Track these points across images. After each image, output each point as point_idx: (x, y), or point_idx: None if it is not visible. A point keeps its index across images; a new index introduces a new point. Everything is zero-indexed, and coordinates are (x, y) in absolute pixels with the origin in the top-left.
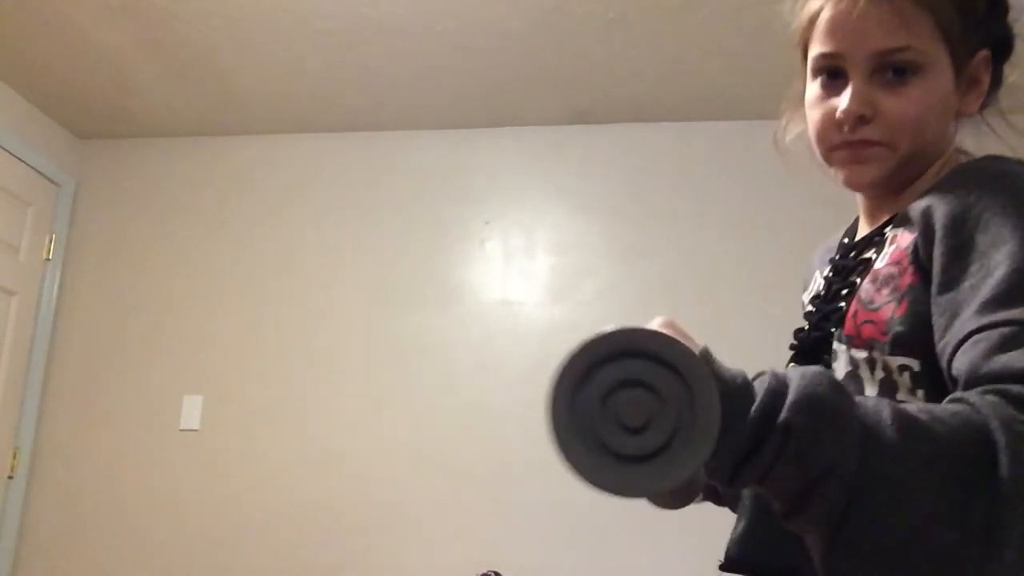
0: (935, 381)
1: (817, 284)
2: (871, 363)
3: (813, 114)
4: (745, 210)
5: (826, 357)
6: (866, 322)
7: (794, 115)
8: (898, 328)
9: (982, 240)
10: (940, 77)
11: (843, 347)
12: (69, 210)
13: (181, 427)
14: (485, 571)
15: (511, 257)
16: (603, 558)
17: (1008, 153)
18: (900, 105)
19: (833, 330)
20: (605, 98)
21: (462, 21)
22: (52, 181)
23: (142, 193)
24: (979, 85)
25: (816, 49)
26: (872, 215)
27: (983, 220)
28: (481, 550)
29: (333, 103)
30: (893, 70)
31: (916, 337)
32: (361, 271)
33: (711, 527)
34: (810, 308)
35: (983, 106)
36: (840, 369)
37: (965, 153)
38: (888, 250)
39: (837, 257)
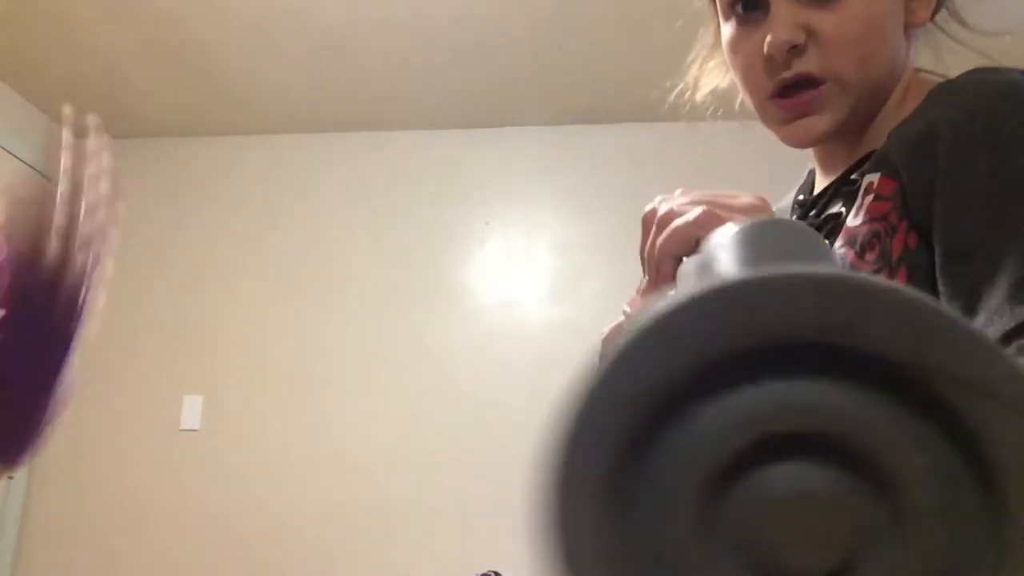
0: None
1: None
2: None
3: (736, 61)
4: None
5: None
6: None
7: (705, 68)
8: None
9: (996, 186)
10: None
11: None
12: None
13: (181, 427)
14: (485, 571)
15: (511, 257)
16: None
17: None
18: (838, 23)
19: None
20: (605, 98)
21: (462, 21)
22: (52, 181)
23: (141, 193)
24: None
25: None
26: (829, 162)
27: (996, 157)
28: (481, 550)
29: (333, 103)
30: None
31: None
32: (361, 271)
33: None
34: None
35: (934, 12)
36: None
37: (930, 72)
38: (864, 202)
39: (794, 219)
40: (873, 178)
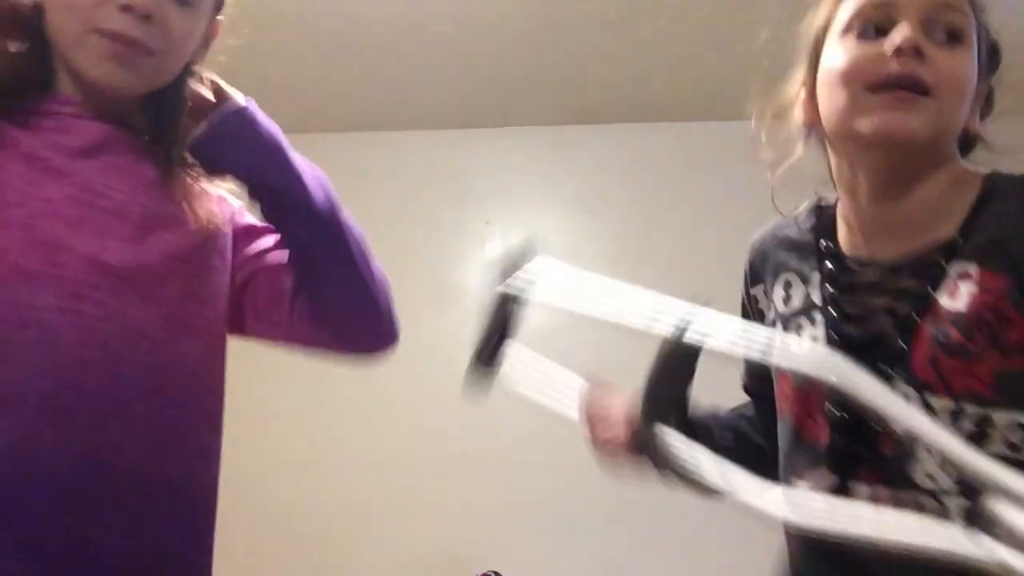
0: None
1: (802, 295)
2: (956, 415)
3: (847, 58)
4: (746, 211)
5: None
6: (958, 371)
7: (781, 119)
8: (1020, 386)
9: None
10: (973, 60)
11: (910, 391)
12: None
13: None
14: (485, 571)
15: None
16: (603, 557)
17: None
18: (951, 61)
19: (887, 368)
20: (605, 98)
21: (462, 21)
22: None
23: None
24: (979, 101)
25: (857, 4)
26: (880, 221)
27: None
28: (480, 549)
29: (333, 103)
30: (946, 31)
31: None
32: None
33: (711, 523)
34: (817, 330)
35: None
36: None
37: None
38: (965, 291)
39: (832, 269)
40: (970, 268)
